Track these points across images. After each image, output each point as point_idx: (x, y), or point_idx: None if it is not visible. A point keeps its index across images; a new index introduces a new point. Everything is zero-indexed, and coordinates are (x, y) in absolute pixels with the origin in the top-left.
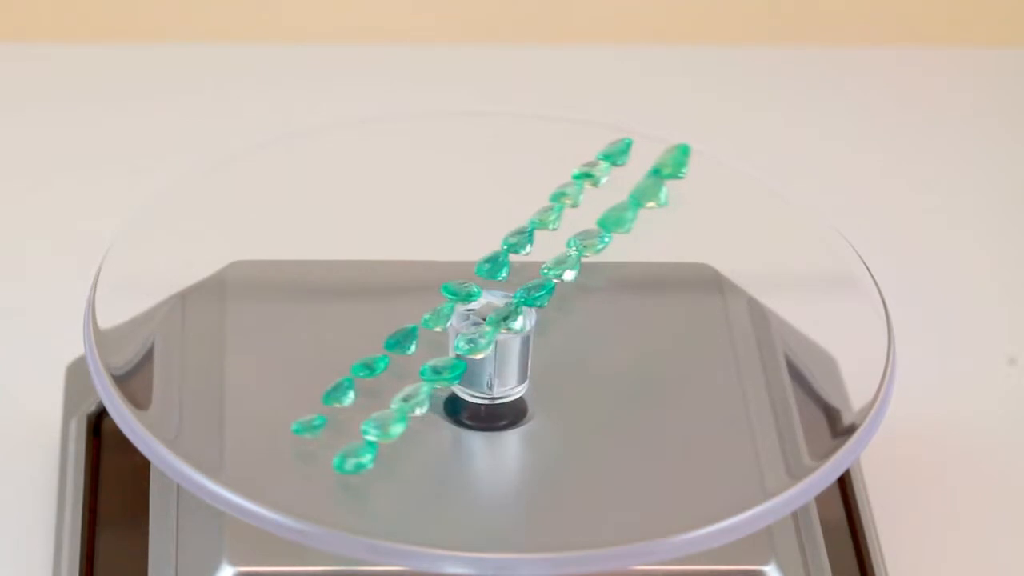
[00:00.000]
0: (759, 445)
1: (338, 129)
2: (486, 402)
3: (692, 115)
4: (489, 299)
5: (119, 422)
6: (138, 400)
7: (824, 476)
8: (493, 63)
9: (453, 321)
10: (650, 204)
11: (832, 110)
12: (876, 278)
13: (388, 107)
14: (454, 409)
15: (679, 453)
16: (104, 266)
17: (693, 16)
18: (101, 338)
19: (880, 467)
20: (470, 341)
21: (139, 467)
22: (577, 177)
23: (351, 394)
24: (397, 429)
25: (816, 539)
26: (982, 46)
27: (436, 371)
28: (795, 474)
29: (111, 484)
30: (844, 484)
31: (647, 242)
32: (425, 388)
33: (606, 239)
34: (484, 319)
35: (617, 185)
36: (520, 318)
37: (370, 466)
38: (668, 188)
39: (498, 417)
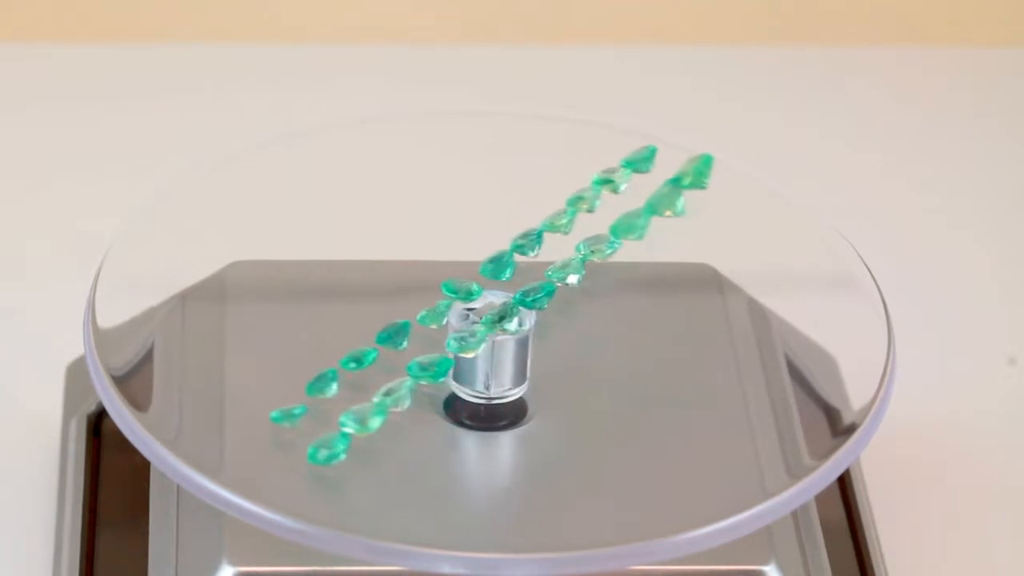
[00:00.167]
0: (759, 445)
1: (338, 129)
2: (485, 402)
3: (692, 115)
4: (490, 299)
5: (119, 422)
6: (138, 400)
7: (824, 476)
8: (493, 63)
9: (452, 320)
10: (667, 213)
11: (832, 110)
12: (876, 278)
13: (388, 107)
14: (454, 409)
15: (679, 453)
16: (104, 266)
17: (693, 16)
18: (101, 338)
19: (880, 467)
20: (460, 339)
21: (139, 467)
22: (597, 183)
23: (334, 386)
24: (375, 423)
25: (816, 539)
26: (982, 46)
27: (423, 367)
28: (795, 474)
29: (111, 484)
30: (844, 484)
31: (648, 242)
32: (408, 383)
33: (615, 245)
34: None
35: (637, 192)
36: (516, 319)
37: (343, 457)
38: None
39: (498, 417)
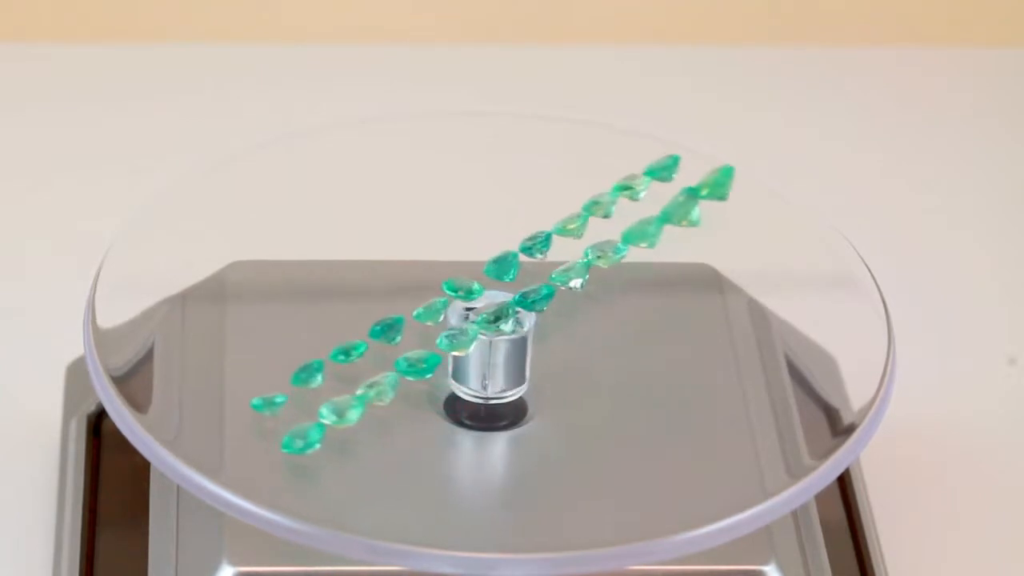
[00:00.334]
0: (759, 445)
1: (338, 129)
2: (484, 402)
3: (692, 115)
4: (490, 299)
5: (118, 423)
6: (138, 400)
7: (824, 475)
8: (493, 63)
9: (452, 319)
10: (683, 223)
11: (832, 110)
12: (876, 278)
13: (388, 107)
14: (455, 409)
15: (679, 453)
16: (104, 266)
17: (693, 16)
18: (101, 338)
19: (880, 467)
20: (451, 337)
21: (139, 467)
22: (616, 189)
23: (319, 376)
24: (353, 415)
25: (816, 539)
26: (982, 46)
27: (411, 363)
28: (795, 473)
29: (111, 484)
30: (844, 484)
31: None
32: (390, 378)
33: (622, 251)
34: None
35: (655, 198)
36: (511, 320)
37: (317, 447)
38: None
39: (498, 417)
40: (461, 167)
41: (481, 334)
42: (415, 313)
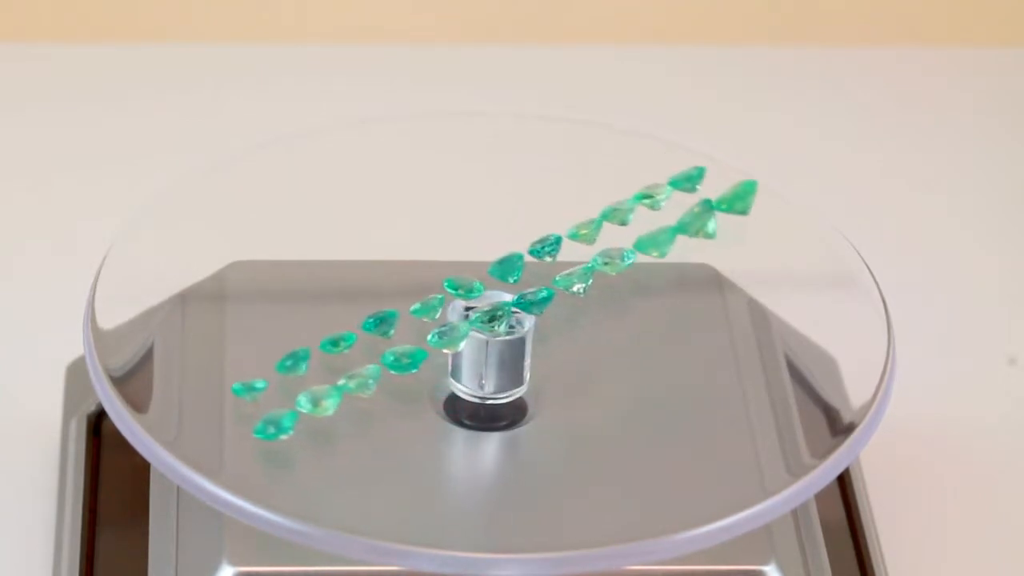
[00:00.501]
0: (759, 445)
1: (338, 129)
2: (482, 402)
3: (692, 115)
4: (490, 299)
5: (118, 423)
6: (138, 401)
7: (824, 474)
8: (493, 63)
9: (451, 317)
10: (699, 235)
11: (832, 110)
12: (876, 278)
13: (388, 107)
14: (455, 409)
15: (679, 453)
16: (104, 266)
17: (693, 16)
18: (101, 339)
19: (880, 467)
20: (441, 335)
21: (139, 467)
22: (637, 198)
23: (304, 365)
24: (328, 404)
25: (816, 539)
26: (982, 46)
27: (396, 357)
28: (795, 473)
29: (111, 484)
30: (844, 484)
31: None
32: (372, 370)
33: (630, 258)
34: None
35: (673, 205)
36: (505, 322)
37: (289, 433)
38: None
39: (498, 417)
40: (461, 167)
41: (475, 332)
42: (412, 309)
